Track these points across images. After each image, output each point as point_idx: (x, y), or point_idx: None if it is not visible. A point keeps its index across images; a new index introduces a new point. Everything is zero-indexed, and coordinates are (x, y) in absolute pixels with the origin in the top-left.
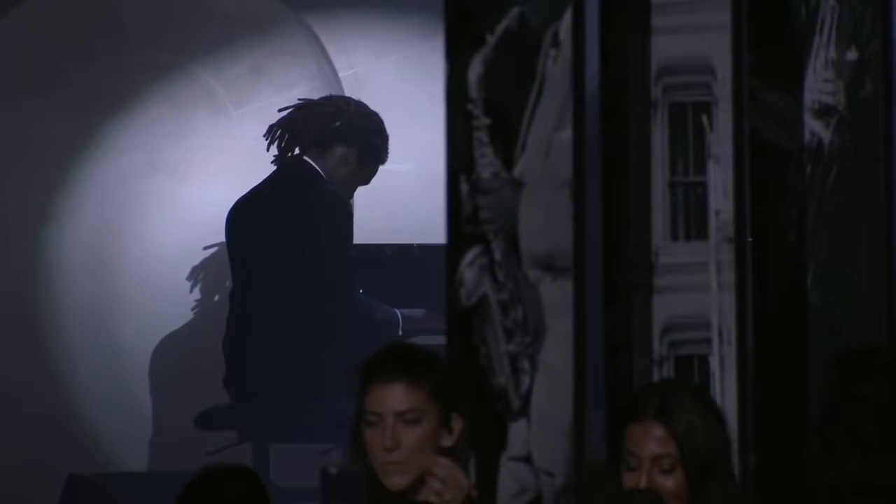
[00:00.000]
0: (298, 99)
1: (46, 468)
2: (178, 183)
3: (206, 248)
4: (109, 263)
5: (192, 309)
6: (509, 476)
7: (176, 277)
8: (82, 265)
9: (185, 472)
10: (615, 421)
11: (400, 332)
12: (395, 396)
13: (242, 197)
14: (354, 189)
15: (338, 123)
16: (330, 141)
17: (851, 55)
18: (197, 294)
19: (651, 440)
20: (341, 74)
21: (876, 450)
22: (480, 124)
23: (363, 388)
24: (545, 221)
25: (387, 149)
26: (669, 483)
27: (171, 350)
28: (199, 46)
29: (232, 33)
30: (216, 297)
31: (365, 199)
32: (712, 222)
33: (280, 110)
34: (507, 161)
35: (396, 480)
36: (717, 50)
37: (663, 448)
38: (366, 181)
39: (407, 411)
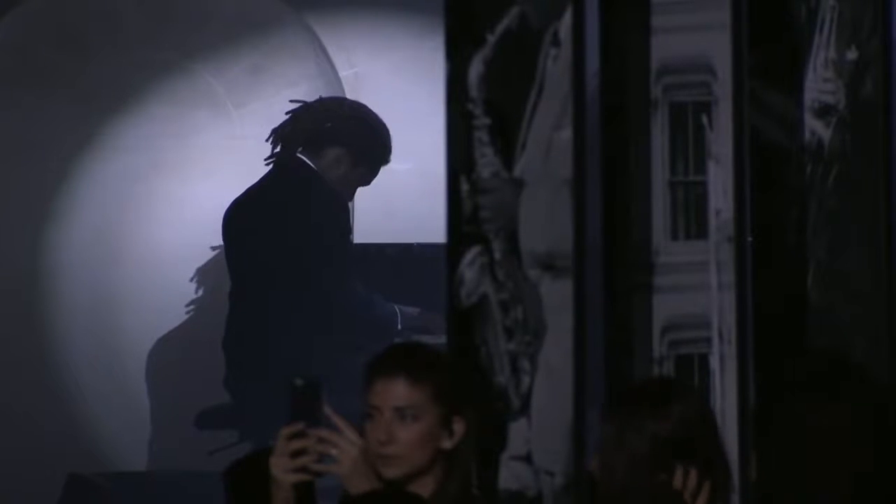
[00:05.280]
0: (290, 101)
1: (46, 468)
2: (179, 183)
3: (213, 248)
4: (109, 263)
5: (192, 309)
6: (509, 475)
7: (176, 277)
8: (82, 265)
9: (185, 473)
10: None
11: (399, 328)
12: (394, 391)
13: (239, 196)
14: (354, 190)
15: (329, 125)
16: (323, 142)
17: (852, 55)
18: (197, 294)
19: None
20: (341, 74)
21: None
22: (480, 124)
23: (367, 384)
24: (545, 221)
25: (388, 151)
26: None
27: (171, 350)
28: (200, 46)
29: (232, 33)
30: (216, 297)
31: (365, 199)
32: (712, 222)
33: (287, 113)
34: (508, 161)
35: (389, 472)
36: (717, 49)
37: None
38: (365, 182)
39: (405, 407)
